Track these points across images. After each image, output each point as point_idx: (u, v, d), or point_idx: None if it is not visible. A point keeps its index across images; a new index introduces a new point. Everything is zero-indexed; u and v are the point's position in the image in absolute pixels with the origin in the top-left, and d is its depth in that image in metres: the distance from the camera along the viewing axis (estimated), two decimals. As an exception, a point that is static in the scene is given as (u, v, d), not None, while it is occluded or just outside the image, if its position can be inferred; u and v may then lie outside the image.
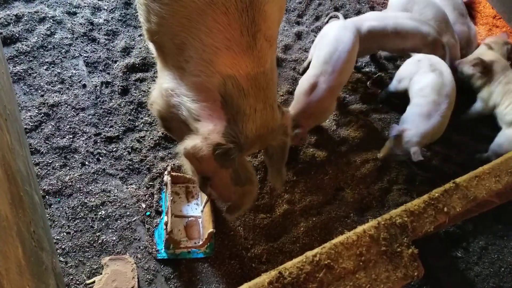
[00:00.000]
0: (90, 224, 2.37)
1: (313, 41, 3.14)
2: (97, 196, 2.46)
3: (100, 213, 2.41)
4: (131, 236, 2.38)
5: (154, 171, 2.61)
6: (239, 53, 1.70)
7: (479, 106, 3.28)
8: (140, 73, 2.97)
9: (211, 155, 1.79)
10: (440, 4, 3.42)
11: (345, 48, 2.73)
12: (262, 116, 1.81)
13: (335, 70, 2.68)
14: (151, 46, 2.14)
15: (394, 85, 3.15)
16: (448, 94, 2.81)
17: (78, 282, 2.18)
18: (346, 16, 3.72)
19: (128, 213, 2.44)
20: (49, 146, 2.54)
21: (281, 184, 2.24)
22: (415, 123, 2.79)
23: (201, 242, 2.37)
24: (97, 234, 2.34)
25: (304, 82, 2.73)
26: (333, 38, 2.80)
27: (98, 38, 3.05)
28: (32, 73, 2.76)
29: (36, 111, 2.63)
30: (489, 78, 3.21)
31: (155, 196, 2.53)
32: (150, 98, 2.12)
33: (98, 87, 2.84)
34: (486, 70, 3.19)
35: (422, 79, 2.91)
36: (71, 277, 2.19)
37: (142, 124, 2.77)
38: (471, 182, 1.98)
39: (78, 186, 2.46)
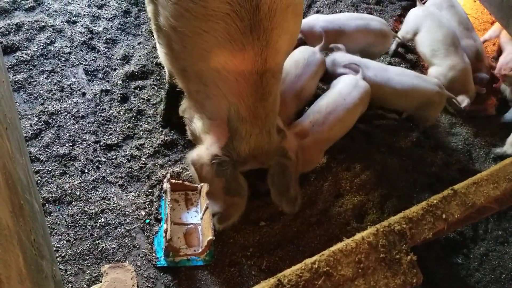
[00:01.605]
0: (90, 232, 2.37)
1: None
2: (96, 203, 2.46)
3: (99, 220, 2.41)
4: (131, 244, 2.38)
5: (153, 178, 2.62)
6: (246, 87, 1.93)
7: None
8: (139, 81, 2.99)
9: (209, 163, 2.09)
10: (448, 24, 3.35)
11: (344, 105, 2.64)
12: (257, 140, 2.06)
13: (326, 123, 2.59)
14: (166, 69, 2.33)
15: None
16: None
17: (77, 290, 2.18)
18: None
19: (127, 220, 2.45)
20: (48, 154, 2.55)
21: (289, 206, 2.28)
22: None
23: (200, 250, 2.37)
24: (97, 242, 2.35)
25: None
26: (337, 91, 2.72)
27: (98, 46, 3.07)
28: (32, 81, 2.78)
29: (36, 119, 2.64)
30: None
31: (155, 203, 2.54)
32: (183, 105, 2.42)
33: (97, 95, 2.85)
34: None
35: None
36: (71, 285, 2.19)
37: (142, 132, 2.78)
38: (470, 189, 2.00)
39: (78, 194, 2.47)
